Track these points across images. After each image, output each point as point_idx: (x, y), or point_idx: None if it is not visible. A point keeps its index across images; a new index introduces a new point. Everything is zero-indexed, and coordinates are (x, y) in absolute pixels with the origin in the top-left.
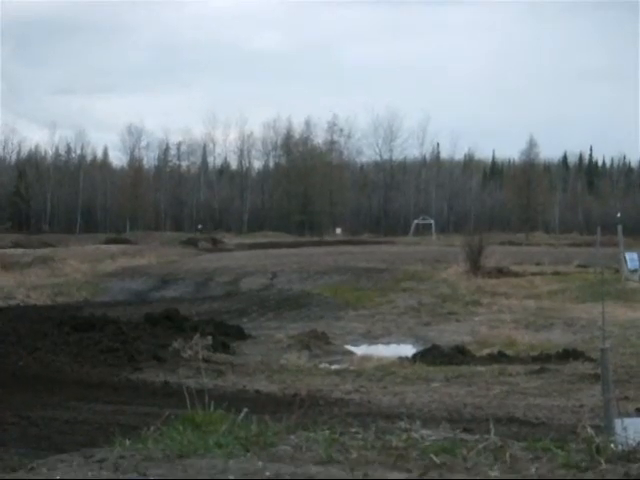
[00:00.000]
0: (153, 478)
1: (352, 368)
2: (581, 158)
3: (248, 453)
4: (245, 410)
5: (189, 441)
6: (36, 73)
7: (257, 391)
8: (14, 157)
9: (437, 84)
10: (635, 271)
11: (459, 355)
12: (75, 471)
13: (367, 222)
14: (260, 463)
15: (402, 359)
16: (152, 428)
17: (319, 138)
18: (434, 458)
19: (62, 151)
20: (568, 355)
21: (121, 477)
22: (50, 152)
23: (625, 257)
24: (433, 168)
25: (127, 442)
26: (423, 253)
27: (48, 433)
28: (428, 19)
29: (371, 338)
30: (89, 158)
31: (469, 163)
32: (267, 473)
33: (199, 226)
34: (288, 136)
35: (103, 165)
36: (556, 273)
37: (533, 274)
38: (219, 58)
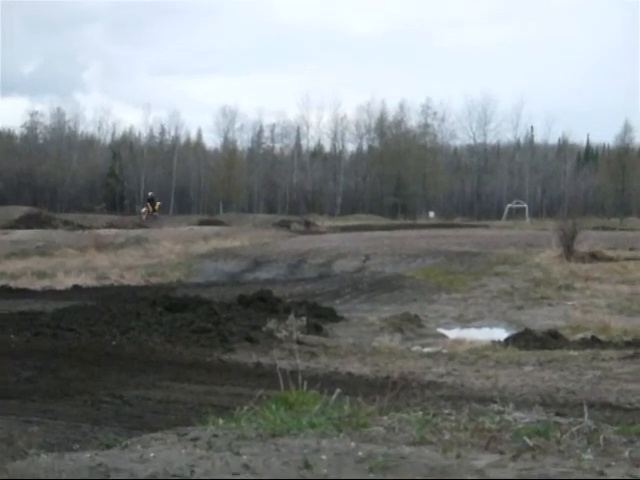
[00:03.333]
0: (246, 456)
1: (444, 351)
2: None
3: (341, 433)
4: (338, 391)
5: (282, 420)
6: (131, 54)
7: (349, 373)
8: (109, 138)
9: (532, 67)
10: None
11: (552, 339)
12: (169, 449)
13: (460, 205)
14: (353, 443)
15: (494, 343)
16: (245, 407)
17: (413, 121)
18: (527, 440)
19: (156, 132)
20: None
21: (214, 455)
22: (144, 133)
23: None
24: (527, 152)
25: (220, 421)
26: (516, 237)
27: (141, 412)
28: (523, 2)
29: (463, 321)
30: (183, 140)
31: (563, 147)
32: (360, 453)
33: (149, 194)
34: (382, 119)
35: (197, 147)
36: None
37: (627, 259)
38: (314, 41)
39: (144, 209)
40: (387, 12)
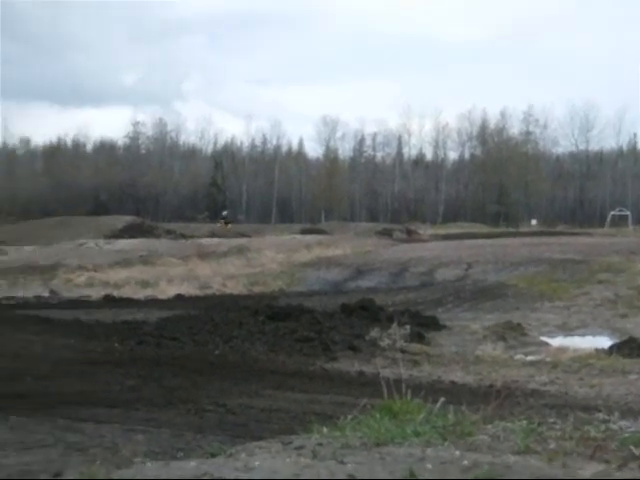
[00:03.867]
0: (351, 465)
1: (548, 359)
2: None
3: (445, 442)
4: (442, 400)
5: (386, 429)
6: (232, 64)
7: (452, 382)
8: (210, 148)
9: (635, 73)
10: None
11: None
12: (273, 457)
13: (562, 213)
14: (457, 452)
15: (598, 351)
16: (349, 416)
17: (514, 128)
18: (633, 450)
19: (258, 142)
20: None
21: (319, 464)
22: (246, 143)
23: None
24: (630, 158)
25: (325, 430)
26: (619, 245)
27: (245, 421)
28: (625, 8)
29: (567, 330)
30: (284, 149)
31: None
32: (465, 462)
33: (224, 212)
34: (483, 127)
35: (298, 156)
36: None
37: None
38: (414, 49)
39: (219, 224)
40: (487, 19)
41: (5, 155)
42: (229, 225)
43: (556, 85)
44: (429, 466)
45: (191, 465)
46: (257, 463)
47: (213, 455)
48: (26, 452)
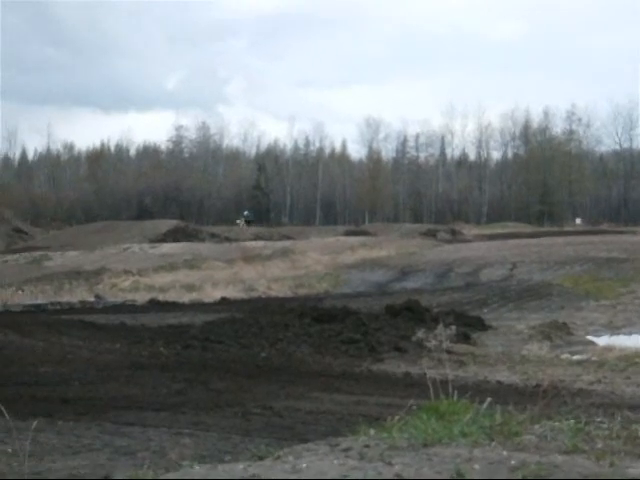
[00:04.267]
0: (399, 466)
1: (594, 359)
2: None
3: (493, 442)
4: (489, 400)
5: (433, 430)
6: (274, 67)
7: (499, 382)
8: (254, 151)
9: None
10: None
11: None
12: (321, 459)
13: (607, 212)
14: (505, 452)
15: None
16: (396, 417)
17: (558, 128)
18: None
19: (301, 144)
20: None
21: (367, 465)
22: (289, 145)
23: None
24: None
25: (372, 431)
26: None
27: (291, 423)
28: None
29: (613, 328)
30: (327, 151)
31: None
32: (512, 462)
33: (245, 212)
34: (526, 126)
35: (341, 157)
36: None
37: None
38: (457, 48)
39: (239, 222)
40: (529, 16)
41: (49, 161)
42: (248, 224)
43: (599, 83)
44: (477, 466)
45: (239, 468)
46: (304, 465)
47: (261, 458)
48: (74, 456)
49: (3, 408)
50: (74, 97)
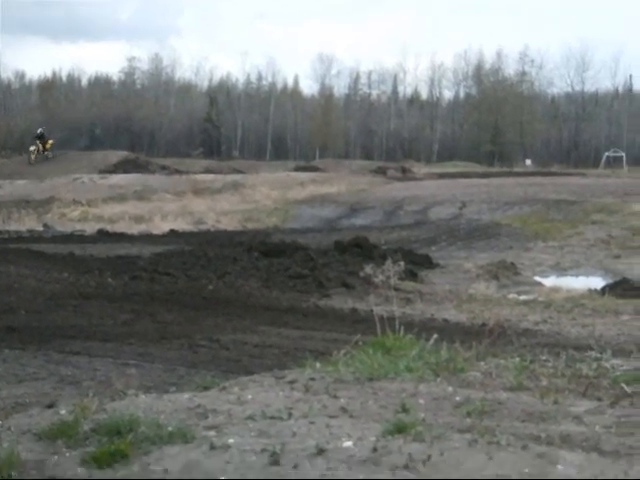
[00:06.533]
0: (344, 399)
1: (541, 299)
2: None
3: (438, 378)
4: (435, 337)
5: (379, 365)
6: (229, 1)
7: (445, 320)
8: (206, 84)
9: (632, 14)
10: None
11: None
12: (266, 391)
13: (557, 154)
14: (450, 388)
15: (591, 291)
16: (342, 352)
17: (510, 69)
18: (625, 387)
19: (253, 79)
20: None
21: (312, 398)
22: (241, 79)
23: None
24: (625, 100)
25: (317, 365)
26: (614, 186)
27: (238, 356)
28: None
29: (560, 270)
30: (280, 86)
31: None
32: (457, 398)
33: (39, 130)
34: (479, 67)
35: (294, 93)
36: None
37: None
38: None
39: (33, 147)
40: None
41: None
42: (50, 142)
43: (553, 26)
44: (421, 401)
45: (184, 397)
46: (250, 397)
47: (206, 388)
48: (19, 385)
49: None
50: (25, 25)
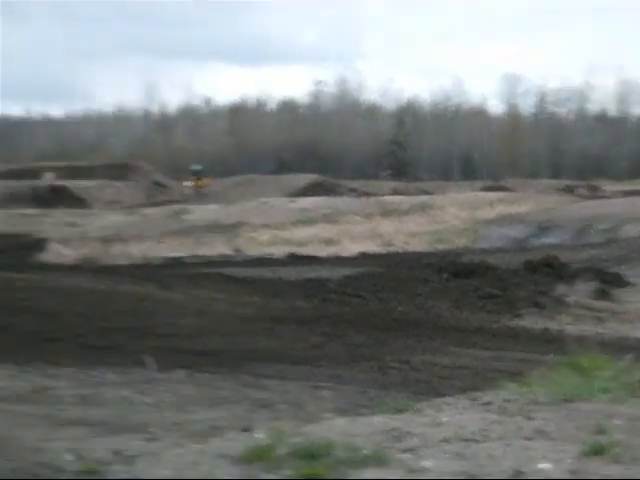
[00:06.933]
0: (539, 421)
1: None
2: None
3: (633, 398)
4: (629, 356)
5: (574, 385)
6: (412, 21)
7: (638, 339)
8: (392, 106)
9: None
10: None
11: None
12: (461, 413)
13: None
14: None
15: None
16: (536, 372)
17: None
18: None
19: (439, 99)
20: None
21: (507, 419)
22: (427, 101)
23: None
24: None
25: (511, 386)
26: None
27: (428, 377)
28: None
29: None
30: (466, 106)
31: None
32: None
33: (194, 167)
34: None
35: (480, 113)
36: None
37: None
38: (599, 2)
39: (188, 183)
40: None
41: (189, 115)
42: (205, 179)
43: None
44: (618, 423)
45: (378, 420)
46: (445, 419)
47: (400, 411)
48: (213, 408)
49: (152, 359)
50: (214, 51)
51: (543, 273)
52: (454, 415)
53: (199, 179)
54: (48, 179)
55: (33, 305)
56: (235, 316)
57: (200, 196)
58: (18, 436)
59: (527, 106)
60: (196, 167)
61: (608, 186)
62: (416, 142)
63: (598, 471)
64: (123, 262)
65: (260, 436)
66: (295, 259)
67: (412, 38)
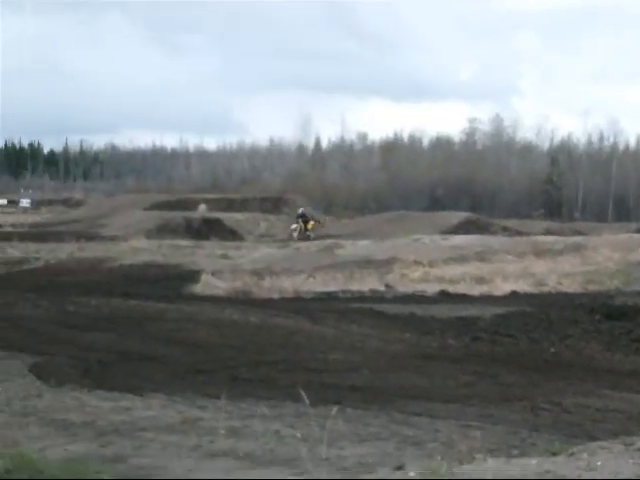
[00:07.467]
0: None
1: None
2: None
3: None
4: None
5: None
6: (569, 61)
7: None
8: (547, 145)
9: None
10: None
11: None
12: (616, 458)
13: None
14: None
15: None
16: None
17: None
18: None
19: (595, 139)
20: None
21: None
22: (582, 140)
23: None
24: None
25: None
26: None
27: (580, 420)
28: None
29: None
30: (622, 146)
31: None
32: None
33: (300, 210)
34: None
35: (636, 153)
36: None
37: None
38: None
39: (295, 226)
40: None
41: (343, 150)
42: (312, 222)
43: None
44: None
45: (533, 463)
46: (599, 463)
47: (554, 454)
48: (362, 444)
49: (303, 394)
50: (368, 87)
51: None
52: (609, 460)
53: (306, 222)
54: (201, 211)
55: (185, 336)
56: (386, 352)
57: (309, 239)
58: (168, 466)
59: None
60: (302, 211)
61: None
62: (570, 182)
63: None
64: (275, 295)
65: (413, 474)
66: (446, 297)
67: (569, 76)
